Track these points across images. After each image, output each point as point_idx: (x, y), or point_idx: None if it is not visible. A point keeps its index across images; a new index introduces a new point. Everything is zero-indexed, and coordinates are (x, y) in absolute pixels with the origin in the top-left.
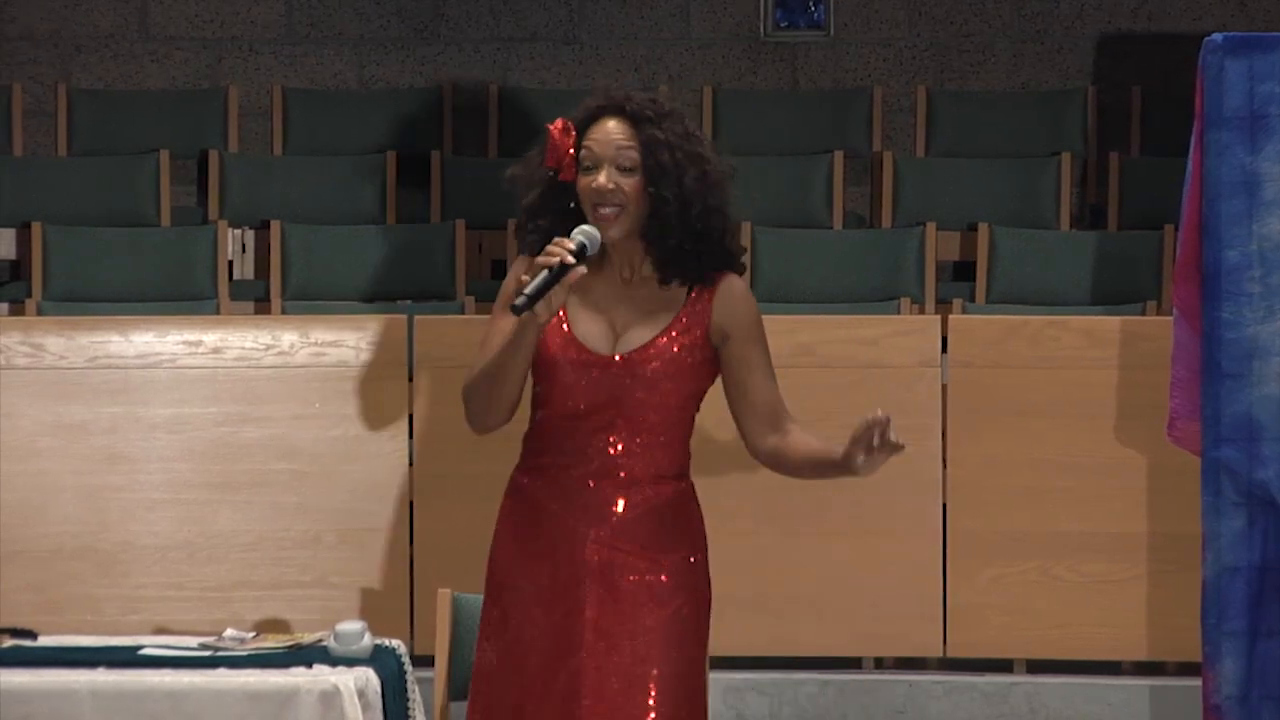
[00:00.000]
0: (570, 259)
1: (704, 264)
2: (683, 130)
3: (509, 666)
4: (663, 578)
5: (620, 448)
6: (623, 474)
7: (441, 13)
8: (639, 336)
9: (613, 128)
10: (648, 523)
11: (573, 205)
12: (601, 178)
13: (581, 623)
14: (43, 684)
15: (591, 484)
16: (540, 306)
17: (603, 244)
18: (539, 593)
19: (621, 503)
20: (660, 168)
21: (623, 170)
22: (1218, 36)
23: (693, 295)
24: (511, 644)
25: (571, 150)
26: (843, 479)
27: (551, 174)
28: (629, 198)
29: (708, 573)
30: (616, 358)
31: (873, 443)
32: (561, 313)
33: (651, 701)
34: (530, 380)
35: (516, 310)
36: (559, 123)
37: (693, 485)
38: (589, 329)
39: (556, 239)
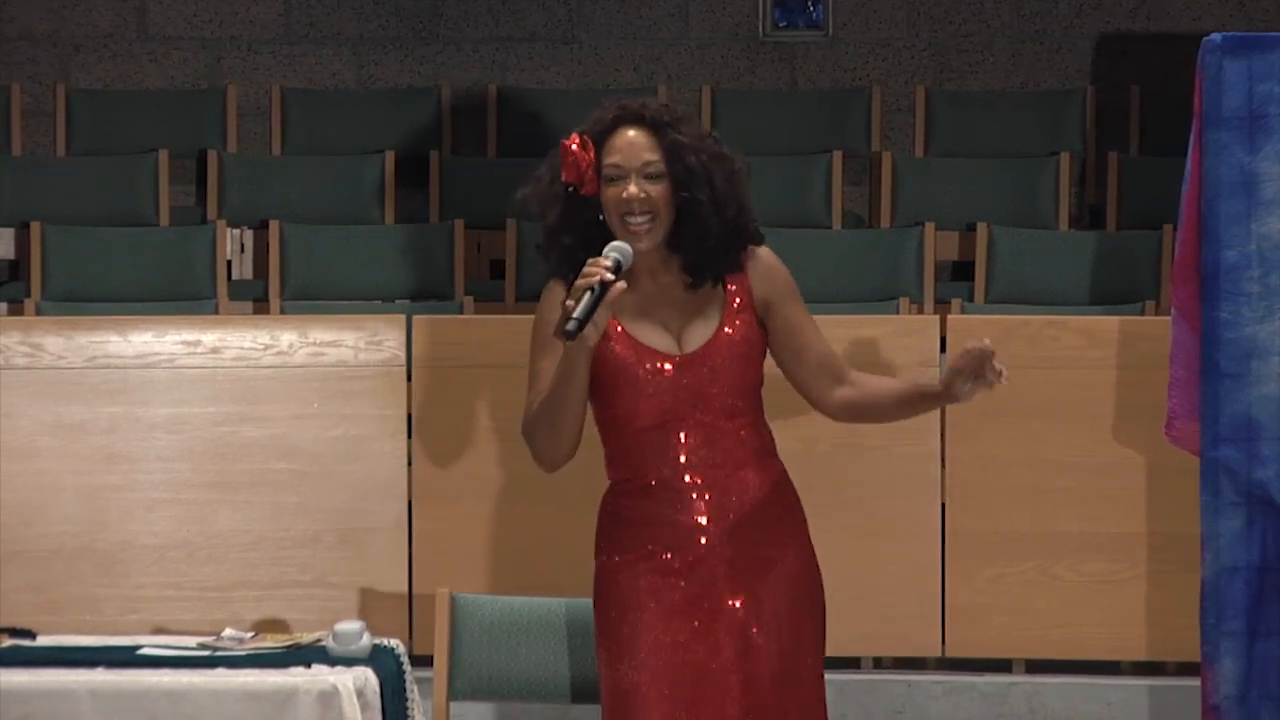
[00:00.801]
0: (609, 276)
1: (731, 257)
2: (699, 133)
3: (659, 681)
4: (792, 559)
5: (715, 444)
6: (725, 468)
7: (440, 13)
8: (700, 334)
9: (634, 137)
10: (764, 508)
11: (599, 219)
12: (631, 188)
13: (723, 628)
14: (42, 684)
15: (699, 485)
16: (588, 329)
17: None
18: (673, 606)
19: (734, 495)
20: (689, 171)
21: (650, 178)
22: (1216, 36)
23: (730, 280)
24: (653, 658)
25: (591, 163)
26: (838, 479)
27: (571, 189)
28: (659, 205)
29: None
30: (687, 356)
31: (975, 371)
32: (618, 329)
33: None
34: (597, 410)
35: (569, 335)
36: (575, 137)
37: (782, 464)
38: (652, 337)
39: (591, 260)
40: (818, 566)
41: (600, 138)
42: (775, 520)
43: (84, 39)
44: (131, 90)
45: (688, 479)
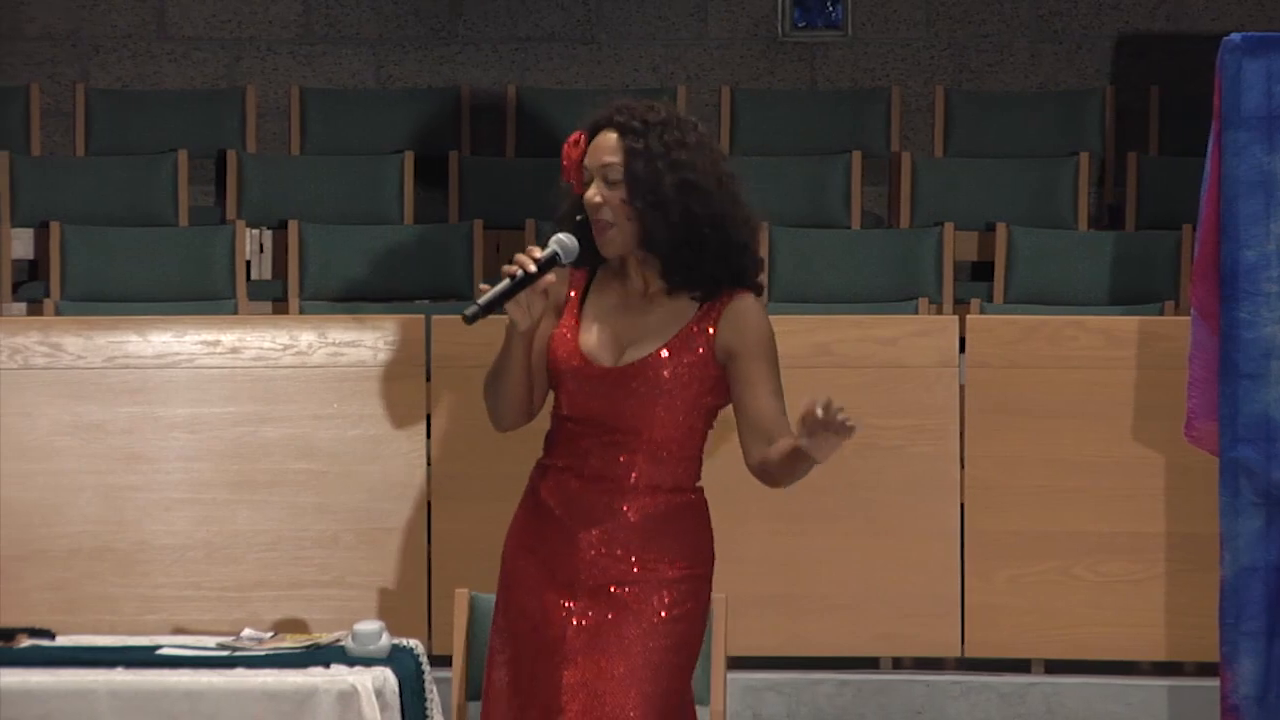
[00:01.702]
0: (532, 268)
1: (711, 276)
2: (675, 140)
3: (512, 660)
4: (655, 589)
5: (618, 457)
6: (623, 482)
7: (459, 13)
8: (640, 350)
9: (603, 139)
10: (645, 532)
11: (580, 218)
12: (590, 190)
13: (567, 625)
14: (61, 684)
15: (592, 489)
16: (515, 313)
17: (621, 255)
18: (535, 589)
19: (620, 510)
20: (636, 178)
21: (609, 183)
22: (1236, 36)
23: (701, 311)
24: (511, 638)
25: (578, 163)
26: (857, 479)
27: (569, 186)
28: (616, 211)
29: (708, 587)
30: (614, 370)
31: (816, 424)
32: (575, 321)
33: (633, 714)
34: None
35: (467, 319)
36: (572, 136)
37: (702, 499)
38: (595, 340)
39: (528, 247)
40: (690, 606)
41: (589, 138)
42: (658, 550)
43: (103, 39)
44: (150, 90)
45: (578, 480)
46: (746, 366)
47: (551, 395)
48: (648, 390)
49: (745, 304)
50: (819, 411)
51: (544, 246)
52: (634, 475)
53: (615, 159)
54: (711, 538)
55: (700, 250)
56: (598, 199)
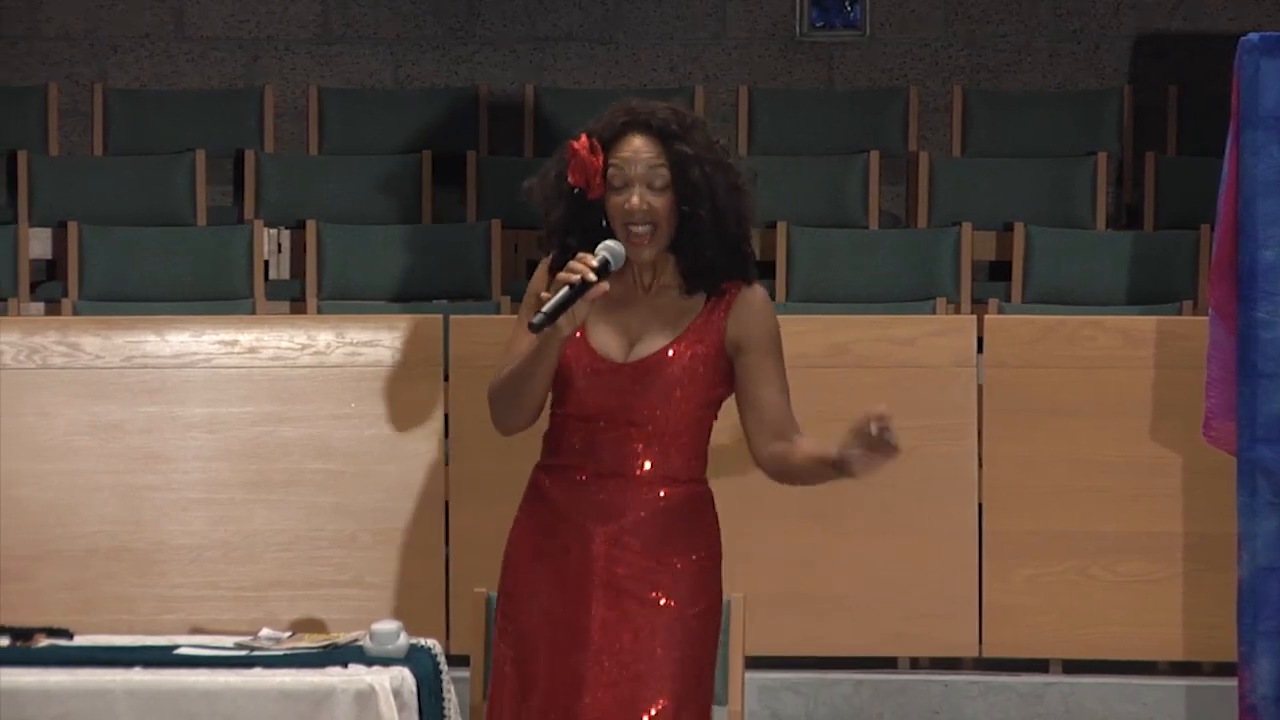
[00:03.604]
0: (592, 276)
1: (727, 275)
2: (706, 141)
3: (519, 661)
4: (668, 579)
5: (632, 451)
6: (634, 476)
7: (477, 12)
8: (651, 345)
9: (640, 145)
10: (656, 524)
11: (603, 223)
12: (634, 199)
13: (587, 620)
14: (78, 684)
15: (602, 484)
16: (563, 320)
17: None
18: (548, 589)
19: (631, 503)
20: (692, 185)
21: (654, 189)
22: (1254, 36)
23: (709, 305)
24: (520, 639)
25: (599, 169)
26: (874, 478)
27: (578, 191)
28: (661, 216)
29: (718, 575)
30: (627, 365)
31: (870, 438)
32: None
33: (656, 706)
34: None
35: (534, 328)
36: (584, 140)
37: (708, 489)
38: (604, 336)
39: (580, 255)
40: (704, 594)
41: (608, 142)
42: (669, 541)
43: (121, 39)
44: (169, 90)
45: (588, 477)
46: (755, 360)
47: (551, 395)
48: (660, 384)
49: (755, 296)
50: (873, 429)
51: (594, 254)
52: (647, 467)
53: (661, 167)
54: (719, 529)
55: (729, 251)
56: (644, 205)
